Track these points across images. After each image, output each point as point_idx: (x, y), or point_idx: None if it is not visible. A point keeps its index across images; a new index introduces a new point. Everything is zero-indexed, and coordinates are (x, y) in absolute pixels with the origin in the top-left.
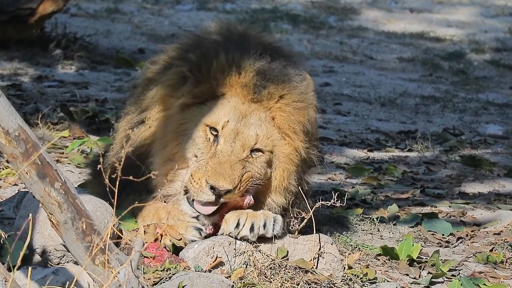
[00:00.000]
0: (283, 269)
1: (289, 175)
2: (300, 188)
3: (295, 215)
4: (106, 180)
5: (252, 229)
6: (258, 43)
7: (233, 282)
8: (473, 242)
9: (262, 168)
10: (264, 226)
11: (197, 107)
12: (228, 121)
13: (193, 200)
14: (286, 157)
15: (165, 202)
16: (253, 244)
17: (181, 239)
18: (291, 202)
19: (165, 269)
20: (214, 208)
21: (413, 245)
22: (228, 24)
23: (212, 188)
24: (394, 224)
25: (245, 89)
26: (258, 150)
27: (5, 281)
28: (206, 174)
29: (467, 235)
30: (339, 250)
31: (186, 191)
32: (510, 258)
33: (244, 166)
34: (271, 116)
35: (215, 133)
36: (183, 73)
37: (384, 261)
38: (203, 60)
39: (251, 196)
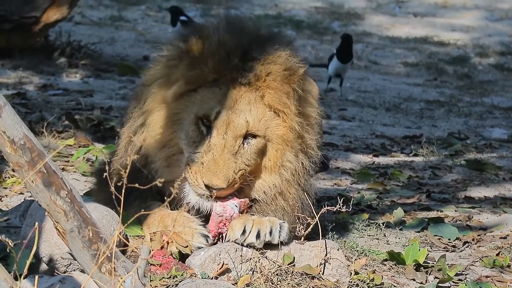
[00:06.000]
0: (290, 275)
1: (283, 154)
2: (304, 192)
3: (301, 221)
4: (112, 187)
5: (258, 236)
6: (252, 29)
7: None
8: (480, 246)
9: (253, 160)
10: (270, 232)
11: (189, 96)
12: (219, 111)
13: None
14: (280, 138)
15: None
16: (259, 250)
17: (187, 246)
18: (298, 201)
19: (172, 277)
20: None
21: (419, 250)
22: (225, 16)
23: (207, 185)
24: (400, 229)
25: (234, 72)
26: (252, 135)
27: None
28: (201, 172)
29: (473, 240)
30: (346, 256)
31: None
32: None
33: (237, 161)
34: (260, 96)
35: (208, 123)
36: (181, 49)
37: (391, 266)
38: (196, 43)
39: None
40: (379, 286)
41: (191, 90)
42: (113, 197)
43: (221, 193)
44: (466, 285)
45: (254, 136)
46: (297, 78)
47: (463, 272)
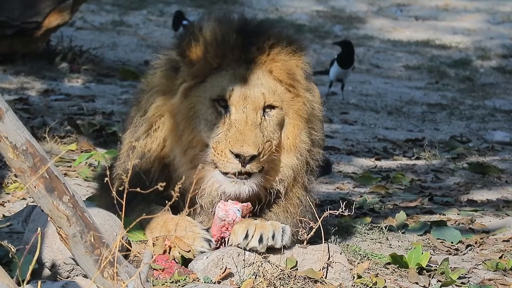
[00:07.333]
0: (293, 279)
1: (300, 132)
2: (307, 193)
3: (304, 224)
4: (114, 192)
5: (261, 240)
6: (239, 18)
7: None
8: (482, 249)
9: (276, 133)
10: (273, 237)
11: (198, 87)
12: (233, 89)
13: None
14: (295, 113)
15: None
16: (262, 254)
17: (190, 250)
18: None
19: (174, 281)
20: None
21: (422, 253)
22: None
23: (237, 156)
24: (402, 233)
25: (235, 52)
26: (270, 106)
27: None
28: (229, 144)
29: (476, 243)
30: (348, 259)
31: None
32: None
33: (262, 132)
34: (268, 70)
35: (224, 103)
36: (174, 59)
37: (394, 270)
38: (190, 40)
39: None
40: None
41: (198, 82)
42: (115, 202)
43: (251, 167)
44: None
45: (273, 107)
46: (301, 54)
47: (466, 275)
